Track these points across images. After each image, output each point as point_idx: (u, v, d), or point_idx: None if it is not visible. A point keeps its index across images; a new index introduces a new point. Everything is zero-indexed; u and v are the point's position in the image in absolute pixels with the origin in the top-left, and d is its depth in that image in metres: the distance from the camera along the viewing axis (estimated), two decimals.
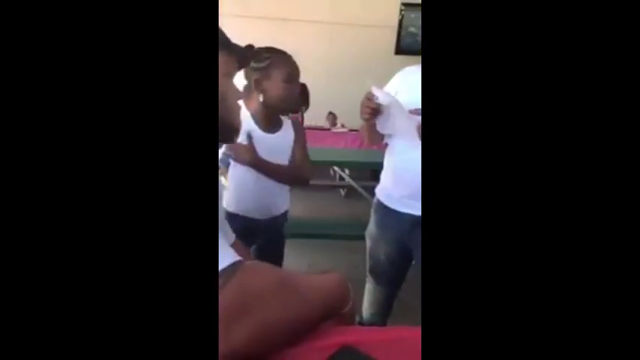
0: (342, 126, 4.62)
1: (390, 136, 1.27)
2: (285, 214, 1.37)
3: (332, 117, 4.88)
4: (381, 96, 1.11)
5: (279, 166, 1.25)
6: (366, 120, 1.16)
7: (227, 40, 0.65)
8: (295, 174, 1.29)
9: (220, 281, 0.47)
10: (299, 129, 1.33)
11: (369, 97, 1.11)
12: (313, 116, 4.95)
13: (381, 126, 1.17)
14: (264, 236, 1.31)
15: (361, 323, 1.42)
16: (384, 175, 1.32)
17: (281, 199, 1.33)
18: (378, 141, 1.31)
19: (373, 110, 1.10)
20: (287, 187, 1.34)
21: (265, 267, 0.54)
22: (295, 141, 1.29)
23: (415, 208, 1.21)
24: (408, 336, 0.58)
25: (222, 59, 0.62)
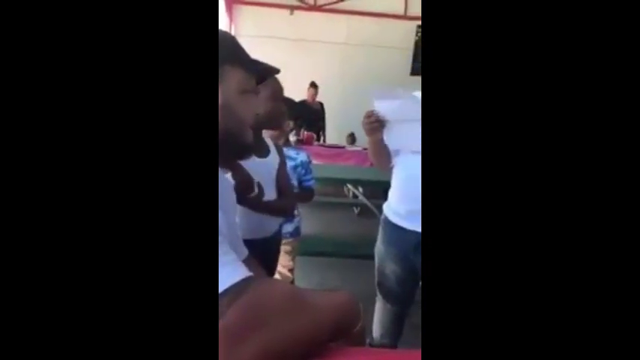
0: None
1: (397, 154, 1.27)
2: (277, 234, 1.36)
3: (351, 138, 4.91)
4: (382, 110, 1.13)
5: (272, 204, 1.24)
6: (371, 136, 1.18)
7: (246, 57, 0.66)
8: (283, 207, 1.30)
9: (231, 296, 0.47)
10: (281, 153, 1.33)
11: (369, 115, 1.14)
12: (329, 136, 4.98)
13: (388, 140, 1.19)
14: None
15: (371, 345, 1.40)
16: (391, 192, 1.32)
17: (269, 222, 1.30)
18: (386, 164, 1.31)
19: (376, 124, 1.13)
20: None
21: (277, 283, 0.54)
22: (280, 167, 1.29)
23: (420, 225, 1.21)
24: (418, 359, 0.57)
25: (240, 76, 0.63)
